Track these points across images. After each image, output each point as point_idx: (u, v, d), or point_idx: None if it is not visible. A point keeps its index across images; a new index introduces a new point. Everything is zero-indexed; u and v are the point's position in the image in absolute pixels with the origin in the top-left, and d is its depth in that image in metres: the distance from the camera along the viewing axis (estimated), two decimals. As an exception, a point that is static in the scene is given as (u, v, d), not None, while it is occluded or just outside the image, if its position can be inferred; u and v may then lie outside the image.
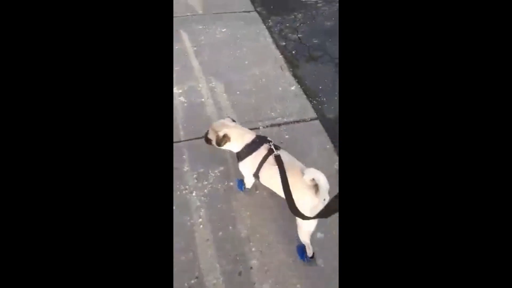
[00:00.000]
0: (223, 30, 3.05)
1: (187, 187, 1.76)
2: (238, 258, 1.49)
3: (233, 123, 1.46)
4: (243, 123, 2.02)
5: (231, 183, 1.77)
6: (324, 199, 1.12)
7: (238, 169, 1.51)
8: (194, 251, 1.50)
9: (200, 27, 3.08)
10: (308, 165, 1.28)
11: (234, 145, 1.41)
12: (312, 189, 1.15)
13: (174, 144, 1.96)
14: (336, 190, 0.72)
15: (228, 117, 1.55)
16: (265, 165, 1.31)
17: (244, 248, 1.52)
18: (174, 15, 3.24)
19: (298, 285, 1.41)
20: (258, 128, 2.10)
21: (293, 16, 3.37)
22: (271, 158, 1.29)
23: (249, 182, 1.60)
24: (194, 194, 1.73)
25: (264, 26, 3.16)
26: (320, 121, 2.18)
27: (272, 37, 3.01)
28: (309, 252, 1.43)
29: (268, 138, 1.39)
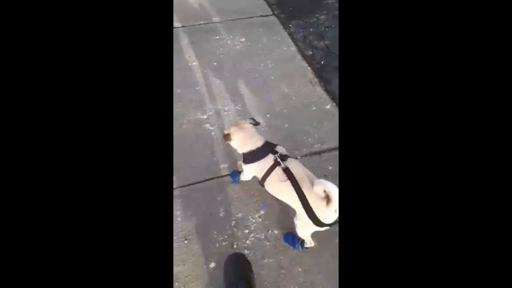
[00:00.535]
0: (242, 40, 2.79)
1: (226, 237, 1.55)
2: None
3: (249, 125, 1.45)
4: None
5: (276, 231, 1.57)
6: (336, 210, 1.12)
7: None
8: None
9: (216, 37, 2.82)
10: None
11: (237, 147, 1.44)
12: (324, 200, 1.12)
13: (207, 183, 1.75)
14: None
15: (251, 118, 1.52)
16: (273, 175, 1.27)
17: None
18: (185, 25, 2.99)
19: None
20: (296, 158, 1.88)
21: (315, 19, 3.09)
22: (279, 170, 1.25)
23: (246, 178, 1.56)
24: (235, 246, 1.52)
25: (286, 33, 2.89)
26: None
27: (296, 45, 2.75)
28: (309, 244, 1.43)
29: (276, 149, 1.35)
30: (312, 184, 1.15)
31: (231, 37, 2.83)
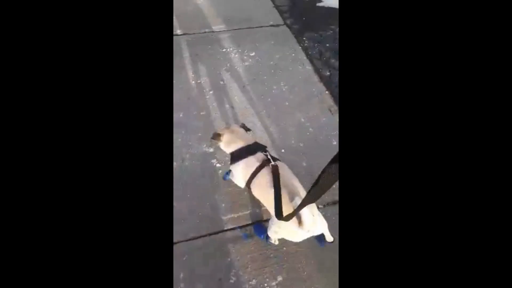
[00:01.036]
0: (251, 55, 2.50)
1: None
2: None
3: (240, 129, 1.42)
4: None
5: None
6: (308, 231, 1.09)
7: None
8: None
9: (223, 49, 2.53)
10: None
11: (226, 147, 1.38)
12: (297, 219, 1.06)
13: (214, 237, 1.50)
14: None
15: (242, 123, 1.49)
16: (263, 172, 1.21)
17: None
18: (187, 33, 2.68)
19: None
20: (318, 207, 1.64)
21: (331, 32, 2.82)
22: (268, 169, 1.20)
23: (238, 183, 1.43)
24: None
25: (300, 47, 2.61)
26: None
27: (312, 63, 2.48)
28: (275, 242, 1.42)
29: (267, 149, 1.32)
30: (293, 198, 1.09)
31: (239, 50, 2.54)
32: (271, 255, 1.46)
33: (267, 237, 1.42)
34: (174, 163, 1.77)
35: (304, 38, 2.72)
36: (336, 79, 2.37)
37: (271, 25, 2.85)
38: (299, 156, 1.85)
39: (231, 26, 2.79)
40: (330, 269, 1.42)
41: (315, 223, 1.10)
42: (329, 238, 1.34)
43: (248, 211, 1.60)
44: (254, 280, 1.39)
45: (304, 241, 1.19)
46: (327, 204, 1.66)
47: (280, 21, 2.91)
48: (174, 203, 1.59)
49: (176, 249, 1.45)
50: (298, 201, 1.03)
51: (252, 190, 1.27)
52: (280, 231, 1.22)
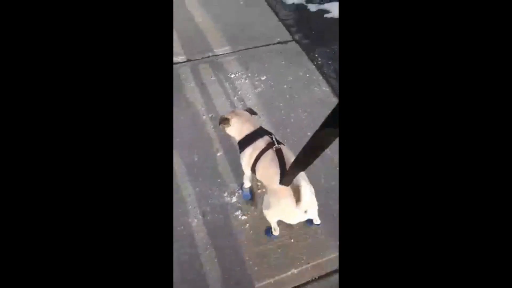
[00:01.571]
0: (262, 79, 2.31)
1: None
2: None
3: (246, 113, 1.44)
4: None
5: None
6: (306, 212, 1.15)
7: None
8: None
9: (231, 75, 2.34)
10: None
11: (234, 133, 1.41)
12: (294, 197, 1.13)
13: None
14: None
15: (249, 108, 1.54)
16: (266, 155, 1.27)
17: None
18: (191, 59, 2.49)
19: None
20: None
21: (343, 45, 2.62)
22: (270, 152, 1.27)
23: (246, 178, 1.56)
24: None
25: (314, 66, 2.42)
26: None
27: (329, 83, 2.29)
28: (276, 232, 1.44)
29: (272, 134, 1.37)
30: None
31: (249, 74, 2.35)
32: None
33: (269, 231, 1.46)
34: (194, 220, 1.58)
35: (316, 55, 2.53)
36: (357, 100, 2.19)
37: (279, 42, 2.65)
38: (333, 199, 1.67)
39: (236, 47, 2.59)
40: None
41: (313, 203, 1.17)
42: (316, 221, 1.41)
43: (285, 273, 1.42)
44: None
45: None
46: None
47: (287, 36, 2.71)
48: (199, 270, 1.42)
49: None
50: (299, 180, 1.08)
51: (256, 171, 1.33)
52: (276, 209, 1.25)
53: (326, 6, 3.01)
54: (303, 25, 2.83)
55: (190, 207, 1.63)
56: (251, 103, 2.15)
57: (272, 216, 1.33)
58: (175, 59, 2.48)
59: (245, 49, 2.58)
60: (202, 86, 2.27)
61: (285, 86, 2.27)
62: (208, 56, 2.52)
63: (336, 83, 2.30)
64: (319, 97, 2.20)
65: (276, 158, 1.22)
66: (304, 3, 3.07)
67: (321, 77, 2.34)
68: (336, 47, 2.60)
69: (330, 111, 0.63)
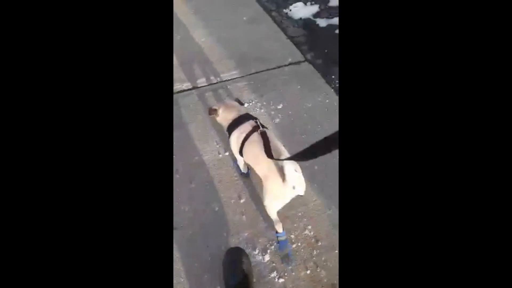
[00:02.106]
0: (279, 107, 2.12)
1: None
2: None
3: (235, 102, 1.54)
4: None
5: None
6: (294, 187, 1.17)
7: None
8: None
9: (246, 104, 2.13)
10: None
11: (222, 121, 1.49)
12: (282, 176, 1.16)
13: None
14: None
15: (236, 98, 1.63)
16: (251, 139, 1.32)
17: None
18: (197, 86, 2.28)
19: None
20: None
21: (360, 64, 2.46)
22: (255, 135, 1.31)
23: (240, 163, 1.61)
24: None
25: (331, 89, 2.24)
26: None
27: (352, 110, 2.11)
28: (279, 229, 1.40)
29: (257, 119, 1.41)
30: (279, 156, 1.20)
31: (264, 103, 2.15)
32: None
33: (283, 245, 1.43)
34: (224, 288, 1.37)
35: (333, 77, 2.35)
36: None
37: (291, 63, 2.47)
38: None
39: (246, 70, 2.39)
40: None
41: (299, 179, 1.17)
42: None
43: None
44: None
45: None
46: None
47: (299, 56, 2.53)
48: None
49: None
50: (283, 163, 1.11)
51: (244, 155, 1.38)
52: (270, 192, 1.27)
53: (336, 20, 2.84)
54: (314, 43, 2.65)
55: (217, 270, 1.41)
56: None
57: (271, 203, 1.32)
58: (179, 87, 2.27)
59: (255, 73, 2.38)
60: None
61: (305, 115, 2.08)
62: (217, 82, 2.31)
63: (359, 109, 2.13)
64: (343, 126, 2.02)
65: (261, 140, 1.27)
66: (312, 17, 2.90)
67: (341, 103, 2.17)
68: (352, 67, 2.43)
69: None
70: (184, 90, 2.25)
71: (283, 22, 2.85)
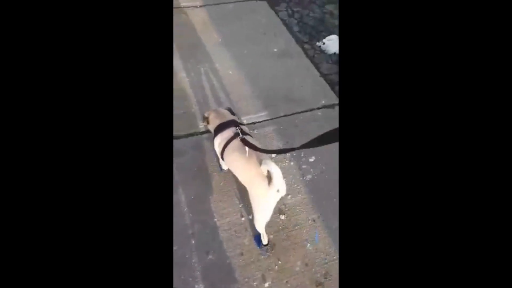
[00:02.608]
0: (311, 161, 1.88)
1: None
2: None
3: (225, 110, 1.56)
4: None
5: None
6: (278, 190, 1.18)
7: None
8: None
9: (274, 155, 1.89)
10: None
11: (211, 126, 1.53)
12: (266, 179, 1.19)
13: None
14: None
15: (228, 107, 1.64)
16: (231, 145, 1.35)
17: None
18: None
19: None
20: None
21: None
22: (236, 141, 1.34)
23: (221, 162, 1.63)
24: None
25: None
26: None
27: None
28: (264, 241, 1.47)
29: (241, 125, 1.43)
30: (260, 162, 1.22)
31: (294, 154, 1.91)
32: None
33: (265, 245, 1.49)
34: None
35: (372, 126, 2.09)
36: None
37: (324, 106, 2.23)
38: None
39: (275, 112, 2.17)
40: None
41: (282, 183, 1.17)
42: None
43: None
44: None
45: None
46: None
47: (333, 98, 2.29)
48: None
49: None
50: (267, 162, 1.16)
51: (225, 161, 1.42)
52: (257, 198, 1.27)
53: (374, 58, 2.59)
54: (350, 83, 2.40)
55: None
56: (300, 197, 1.70)
57: (258, 209, 1.31)
58: (195, 130, 2.05)
59: (284, 116, 2.15)
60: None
61: (340, 173, 1.82)
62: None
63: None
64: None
65: (242, 147, 1.29)
66: (348, 53, 2.66)
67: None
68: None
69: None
70: (196, 134, 2.03)
71: (316, 57, 2.63)
